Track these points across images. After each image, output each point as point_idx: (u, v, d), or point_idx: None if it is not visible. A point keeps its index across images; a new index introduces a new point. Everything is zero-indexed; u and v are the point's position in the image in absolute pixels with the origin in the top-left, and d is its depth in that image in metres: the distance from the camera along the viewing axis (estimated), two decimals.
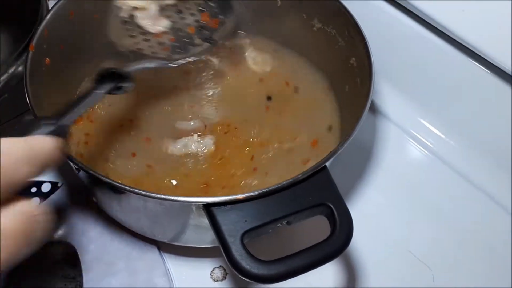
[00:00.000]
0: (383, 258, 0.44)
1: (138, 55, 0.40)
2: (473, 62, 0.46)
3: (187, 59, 0.40)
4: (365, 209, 0.47)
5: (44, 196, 0.46)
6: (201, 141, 0.43)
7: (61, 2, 0.42)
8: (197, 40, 0.41)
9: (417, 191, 0.49)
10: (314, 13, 0.47)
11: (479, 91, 0.48)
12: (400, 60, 0.53)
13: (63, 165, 0.33)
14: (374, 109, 0.54)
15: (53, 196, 0.46)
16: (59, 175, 0.47)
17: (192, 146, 0.43)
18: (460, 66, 0.47)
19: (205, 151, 0.43)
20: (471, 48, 0.44)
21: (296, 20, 0.49)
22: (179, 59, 0.40)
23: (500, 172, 0.48)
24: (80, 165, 0.33)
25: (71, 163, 0.34)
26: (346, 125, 0.44)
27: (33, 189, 0.46)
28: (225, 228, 0.31)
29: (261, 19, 0.51)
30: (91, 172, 0.32)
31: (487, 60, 0.44)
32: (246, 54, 0.50)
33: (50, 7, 0.43)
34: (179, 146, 0.43)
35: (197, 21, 0.41)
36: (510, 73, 0.42)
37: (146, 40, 0.40)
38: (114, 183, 0.32)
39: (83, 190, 0.45)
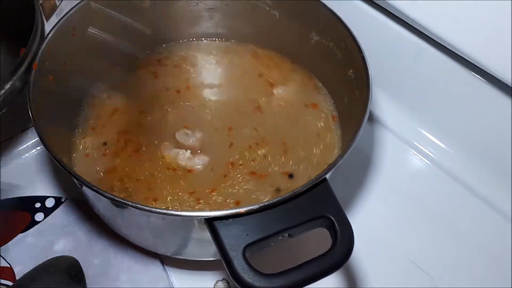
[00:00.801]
0: (384, 268, 0.44)
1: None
2: (471, 72, 0.47)
3: None
4: (366, 218, 0.47)
5: (48, 211, 0.47)
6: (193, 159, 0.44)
7: (64, 19, 0.43)
8: None
9: (418, 200, 0.49)
10: (312, 26, 0.48)
11: (477, 101, 0.48)
12: (399, 71, 0.53)
13: (67, 180, 0.34)
14: (373, 120, 0.54)
15: (56, 211, 0.46)
16: (62, 190, 0.47)
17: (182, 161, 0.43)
18: (457, 76, 0.48)
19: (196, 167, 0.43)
20: (467, 58, 0.44)
21: (294, 33, 0.49)
22: None
23: (500, 181, 0.48)
24: (83, 180, 0.33)
25: (74, 179, 0.34)
26: (346, 137, 0.44)
27: (37, 205, 0.47)
28: (227, 242, 0.31)
29: (261, 31, 0.51)
30: (94, 188, 0.33)
31: (484, 70, 0.44)
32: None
33: (47, 22, 0.44)
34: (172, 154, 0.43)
35: None
36: (507, 83, 0.43)
37: None
38: (116, 198, 0.32)
39: (86, 205, 0.45)
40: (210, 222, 0.32)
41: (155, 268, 0.43)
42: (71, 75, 0.44)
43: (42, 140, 0.35)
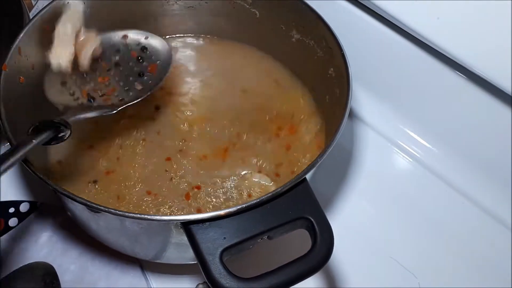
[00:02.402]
0: (367, 267, 0.44)
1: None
2: (453, 70, 0.47)
3: (128, 104, 0.41)
4: (348, 217, 0.47)
5: (22, 216, 0.45)
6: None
7: (35, 19, 0.42)
8: (137, 85, 0.42)
9: (401, 198, 0.49)
10: (292, 24, 0.47)
11: (460, 99, 0.48)
12: (381, 70, 0.53)
13: (42, 184, 0.33)
14: (355, 118, 0.54)
15: (31, 216, 0.45)
16: (37, 194, 0.46)
17: None
18: (440, 74, 0.48)
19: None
20: (450, 57, 0.44)
21: (275, 32, 0.49)
22: (120, 106, 0.40)
23: (484, 179, 0.48)
24: (55, 186, 0.32)
25: (48, 185, 0.33)
26: (328, 136, 0.44)
27: (11, 210, 0.45)
28: (203, 246, 0.30)
29: (242, 29, 0.51)
30: (65, 193, 0.32)
31: (467, 69, 0.44)
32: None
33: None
34: None
35: (135, 68, 0.43)
36: (490, 82, 0.42)
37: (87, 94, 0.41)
38: (89, 203, 0.31)
39: (62, 209, 0.44)
40: (186, 226, 0.31)
41: (134, 273, 0.42)
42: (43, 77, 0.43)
43: (12, 145, 0.34)
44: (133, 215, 0.31)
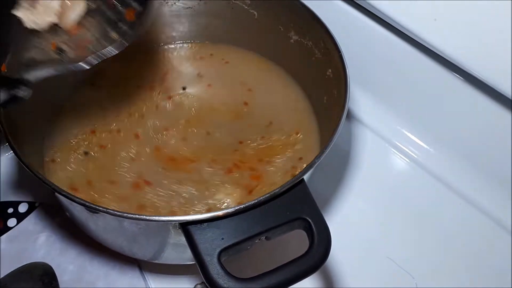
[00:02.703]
0: (364, 267, 0.44)
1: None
2: (450, 71, 0.47)
3: (102, 57, 0.35)
4: (346, 217, 0.47)
5: (21, 216, 0.45)
6: None
7: None
8: (113, 34, 0.36)
9: (399, 198, 0.49)
10: (291, 25, 0.47)
11: (457, 100, 0.48)
12: (379, 71, 0.53)
13: (40, 184, 0.33)
14: (353, 119, 0.54)
15: (30, 216, 0.45)
16: (36, 195, 0.46)
17: None
18: (437, 75, 0.48)
19: None
20: (447, 58, 0.44)
21: (273, 33, 0.49)
22: (94, 60, 0.34)
23: (482, 179, 0.49)
24: (53, 186, 0.32)
25: (46, 185, 0.33)
26: (325, 137, 0.44)
27: (10, 210, 0.45)
28: (201, 246, 0.30)
29: (240, 31, 0.51)
30: (63, 193, 0.32)
31: (463, 70, 0.44)
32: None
33: None
34: None
35: (111, 16, 0.36)
36: (488, 84, 0.43)
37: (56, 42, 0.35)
38: (87, 203, 0.31)
39: (61, 209, 0.44)
40: (184, 227, 0.31)
41: (132, 274, 0.42)
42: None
43: (11, 145, 0.34)
44: (131, 215, 0.31)
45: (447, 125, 0.50)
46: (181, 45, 0.53)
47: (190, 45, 0.53)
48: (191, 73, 0.51)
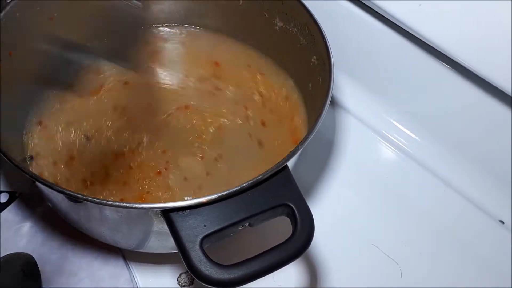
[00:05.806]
0: (349, 254, 0.44)
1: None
2: (439, 61, 0.46)
3: None
4: (331, 204, 0.47)
5: (1, 206, 0.44)
6: None
7: (12, 2, 0.40)
8: None
9: (385, 186, 0.49)
10: (275, 12, 0.47)
11: (446, 90, 0.48)
12: (366, 60, 0.53)
13: (20, 173, 0.32)
14: (339, 106, 0.54)
15: (11, 206, 0.44)
16: (16, 184, 0.45)
17: None
18: (425, 65, 0.47)
19: None
20: (434, 46, 0.44)
21: (258, 19, 0.48)
22: None
23: (471, 170, 0.49)
24: (32, 175, 0.32)
25: (25, 173, 0.33)
26: (311, 124, 0.44)
27: None
28: (183, 233, 0.30)
29: (225, 18, 0.50)
30: (42, 181, 0.31)
31: (453, 60, 0.44)
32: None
33: None
34: None
35: None
36: (476, 73, 0.42)
37: None
38: (67, 191, 0.31)
39: (41, 199, 0.43)
40: (166, 214, 0.31)
41: (116, 263, 0.42)
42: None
43: None
44: (112, 203, 0.30)
45: (434, 114, 0.50)
46: (163, 32, 0.52)
47: (171, 31, 0.52)
48: (173, 60, 0.50)
